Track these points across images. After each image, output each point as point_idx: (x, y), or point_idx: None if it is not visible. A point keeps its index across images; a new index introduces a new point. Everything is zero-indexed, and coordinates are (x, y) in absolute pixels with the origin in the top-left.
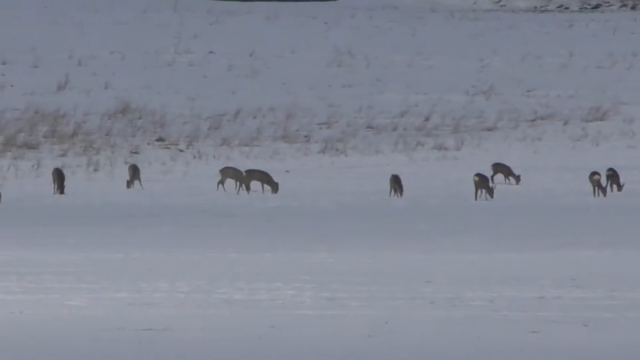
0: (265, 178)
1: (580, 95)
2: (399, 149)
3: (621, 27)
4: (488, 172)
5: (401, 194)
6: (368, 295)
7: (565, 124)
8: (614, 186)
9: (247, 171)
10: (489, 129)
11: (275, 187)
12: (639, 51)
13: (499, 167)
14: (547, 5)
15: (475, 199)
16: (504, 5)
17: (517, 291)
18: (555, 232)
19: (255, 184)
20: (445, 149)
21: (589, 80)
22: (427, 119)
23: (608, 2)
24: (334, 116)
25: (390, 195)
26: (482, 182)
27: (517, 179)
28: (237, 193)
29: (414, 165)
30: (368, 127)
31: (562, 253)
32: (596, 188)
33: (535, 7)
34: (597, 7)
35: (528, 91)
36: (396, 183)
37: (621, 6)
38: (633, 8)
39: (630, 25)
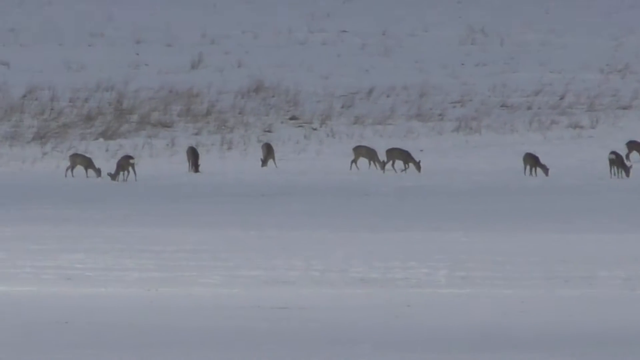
0: (405, 156)
1: None
2: (534, 128)
3: None
4: (623, 151)
5: (546, 173)
6: (502, 274)
7: None
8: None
9: (388, 150)
10: (625, 107)
11: (418, 165)
12: None
13: (634, 145)
14: None
15: (610, 176)
16: None
17: None
18: None
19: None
20: (581, 127)
21: None
22: (561, 98)
23: None
24: (467, 94)
25: (525, 174)
26: (618, 161)
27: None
28: (382, 171)
29: (549, 144)
30: (502, 105)
31: None
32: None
33: None
34: None
35: None
36: (534, 161)
37: None
38: None
39: None
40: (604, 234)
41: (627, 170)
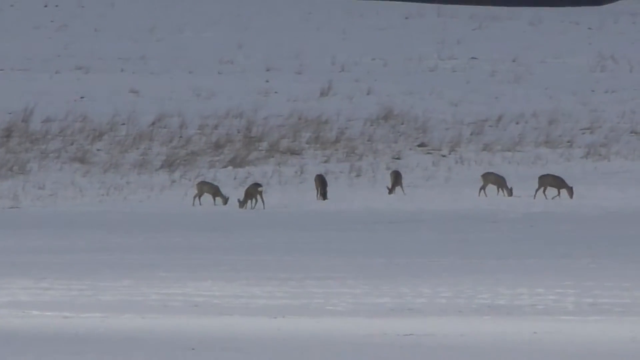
0: (558, 183)
1: None
2: None
3: None
4: None
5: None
6: (631, 301)
7: None
8: None
9: (540, 177)
10: None
11: (570, 190)
12: None
13: None
14: None
15: None
16: None
17: None
18: None
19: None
20: None
21: None
22: None
23: None
24: (596, 121)
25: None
26: None
27: None
28: (506, 195)
29: None
30: (632, 132)
31: None
32: None
33: None
34: None
35: None
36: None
37: None
38: None
39: None
40: None
41: None
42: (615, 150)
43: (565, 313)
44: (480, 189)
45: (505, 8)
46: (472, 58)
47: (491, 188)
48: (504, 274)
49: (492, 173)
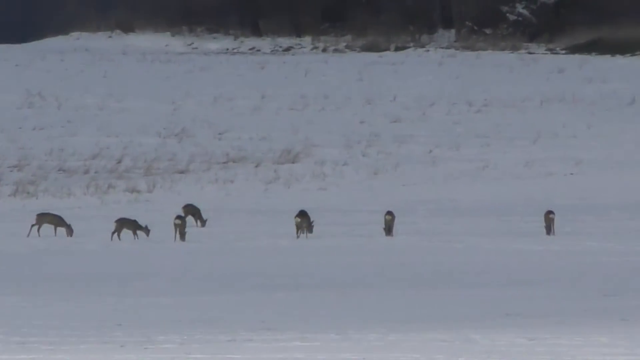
0: (57, 221)
1: (272, 138)
2: (91, 192)
3: (313, 70)
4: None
5: (202, 224)
6: (59, 339)
7: (257, 166)
8: (306, 230)
9: (38, 214)
10: (181, 172)
11: (69, 229)
12: (330, 93)
13: (190, 209)
14: (239, 47)
15: (174, 240)
16: (196, 48)
17: (207, 334)
18: (246, 274)
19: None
20: (138, 191)
21: (280, 122)
22: (119, 162)
23: (300, 45)
24: (25, 159)
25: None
26: (182, 225)
27: (203, 223)
28: None
29: (106, 208)
30: (59, 169)
31: (253, 295)
32: (299, 230)
33: (227, 49)
34: (288, 49)
35: (220, 133)
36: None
37: (312, 49)
38: (324, 51)
39: (321, 68)
40: (160, 298)
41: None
42: (43, 188)
43: None
44: None
45: None
46: None
47: None
48: None
49: None
